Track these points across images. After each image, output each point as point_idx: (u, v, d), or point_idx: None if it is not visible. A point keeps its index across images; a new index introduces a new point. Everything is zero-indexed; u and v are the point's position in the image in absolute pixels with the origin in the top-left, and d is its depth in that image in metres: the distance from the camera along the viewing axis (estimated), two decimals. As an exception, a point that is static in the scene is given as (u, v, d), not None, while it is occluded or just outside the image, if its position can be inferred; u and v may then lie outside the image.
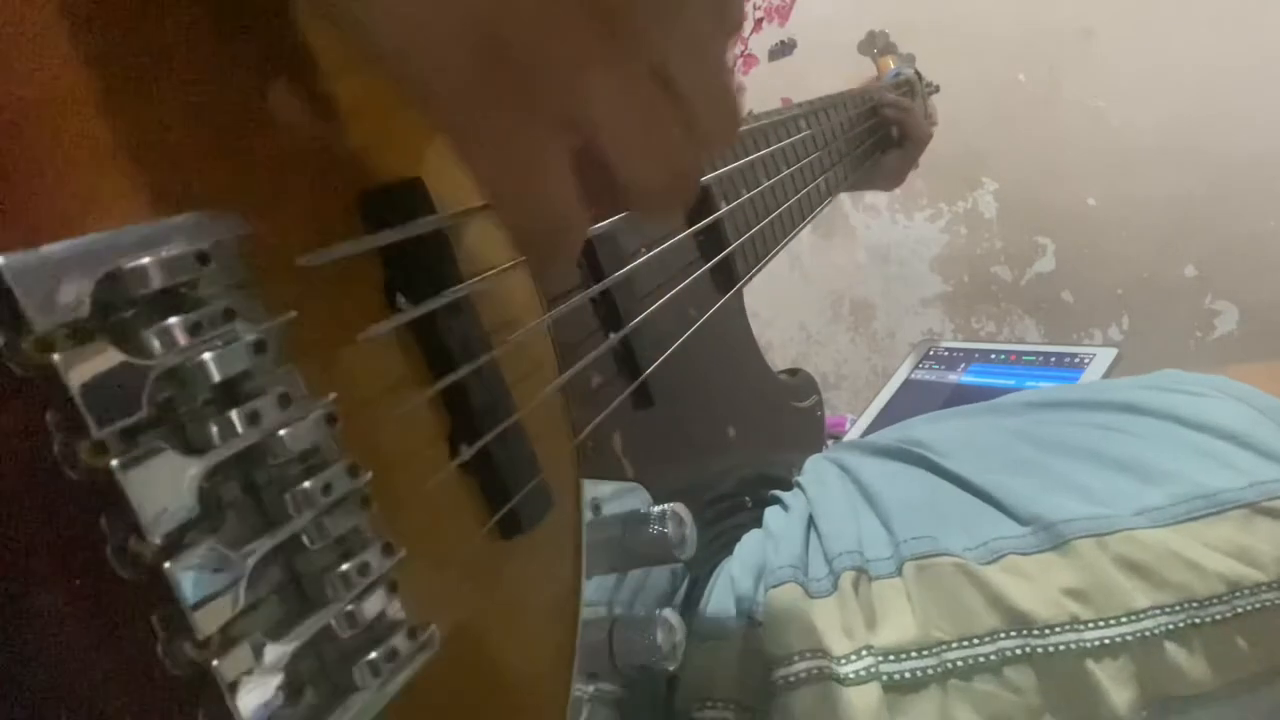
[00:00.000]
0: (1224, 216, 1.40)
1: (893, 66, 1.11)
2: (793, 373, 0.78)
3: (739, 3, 0.29)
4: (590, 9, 0.23)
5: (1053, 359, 1.24)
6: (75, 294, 0.21)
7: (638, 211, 0.29)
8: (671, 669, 0.42)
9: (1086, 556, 0.49)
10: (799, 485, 0.62)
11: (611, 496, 0.45)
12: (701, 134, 0.28)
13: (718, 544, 0.57)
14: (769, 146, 0.72)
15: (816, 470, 0.63)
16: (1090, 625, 0.48)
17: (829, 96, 0.92)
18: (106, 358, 0.21)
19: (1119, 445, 0.55)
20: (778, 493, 0.62)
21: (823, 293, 1.76)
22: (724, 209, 0.62)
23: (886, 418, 1.22)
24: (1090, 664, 0.47)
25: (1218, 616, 0.48)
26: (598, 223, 0.29)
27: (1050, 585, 0.49)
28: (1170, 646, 0.48)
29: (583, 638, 0.40)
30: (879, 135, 1.04)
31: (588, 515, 0.42)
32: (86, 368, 0.20)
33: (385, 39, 0.24)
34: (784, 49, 1.74)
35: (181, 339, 0.22)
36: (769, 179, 0.71)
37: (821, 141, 0.85)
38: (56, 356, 0.20)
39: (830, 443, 0.88)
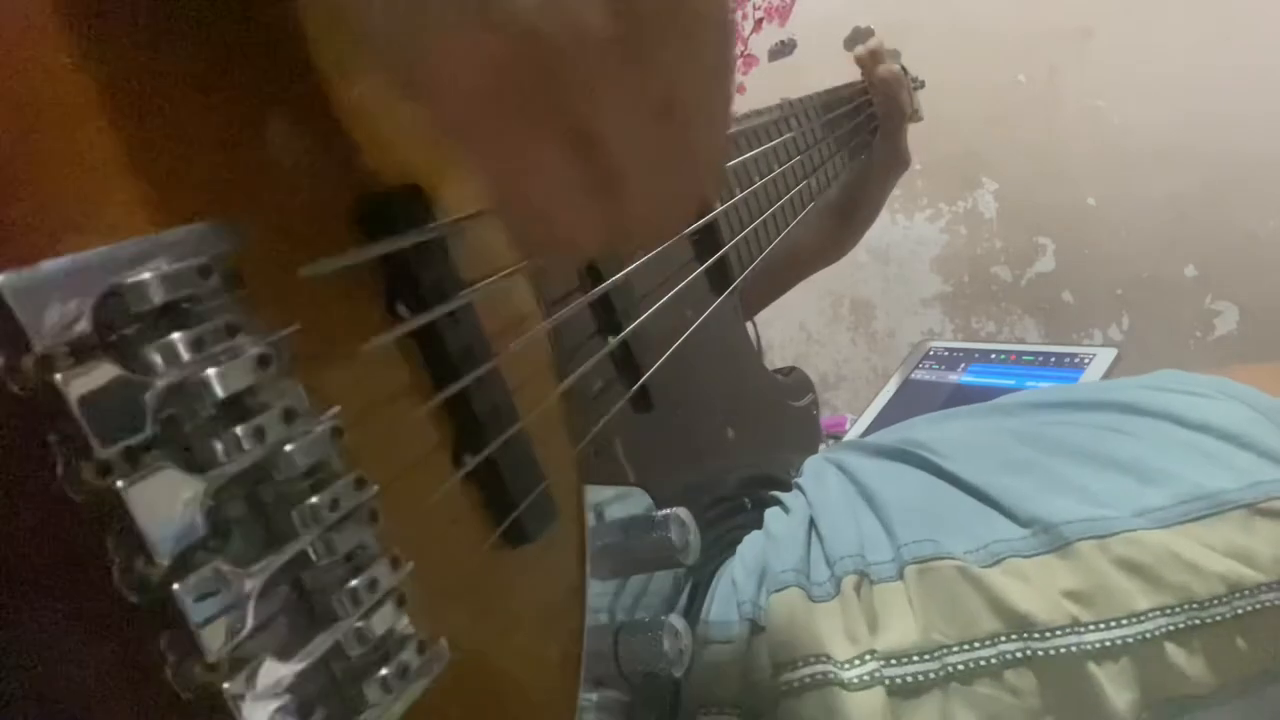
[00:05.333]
0: (1224, 216, 1.40)
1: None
2: (787, 371, 0.77)
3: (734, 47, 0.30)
4: (615, 34, 0.24)
5: (1053, 359, 1.24)
6: (76, 312, 0.20)
7: (639, 234, 0.30)
8: (678, 675, 0.42)
9: (1087, 558, 0.49)
10: (799, 486, 0.62)
11: (613, 501, 0.45)
12: (695, 164, 0.29)
13: (718, 546, 0.57)
14: (760, 146, 0.72)
15: (816, 471, 0.63)
16: (1091, 627, 0.48)
17: (818, 94, 0.92)
18: (109, 376, 0.21)
19: (1119, 446, 0.55)
20: (778, 494, 0.62)
21: (823, 293, 1.76)
22: (718, 209, 0.62)
23: (886, 418, 1.22)
24: (1091, 666, 0.47)
25: (1218, 617, 0.48)
26: (602, 247, 0.30)
27: (1051, 587, 0.49)
28: (1171, 648, 0.48)
29: (588, 645, 0.40)
30: (871, 126, 1.04)
31: (591, 521, 0.42)
32: (89, 386, 0.20)
33: (403, 49, 0.24)
34: (784, 49, 1.73)
35: (185, 355, 0.22)
36: (761, 178, 0.71)
37: (813, 139, 0.85)
38: (58, 376, 0.20)
39: (830, 442, 0.88)
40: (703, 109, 0.28)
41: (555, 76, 0.24)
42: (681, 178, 0.29)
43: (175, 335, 0.22)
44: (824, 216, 1.09)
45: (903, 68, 1.13)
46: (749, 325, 0.95)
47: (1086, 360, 1.20)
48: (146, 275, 0.21)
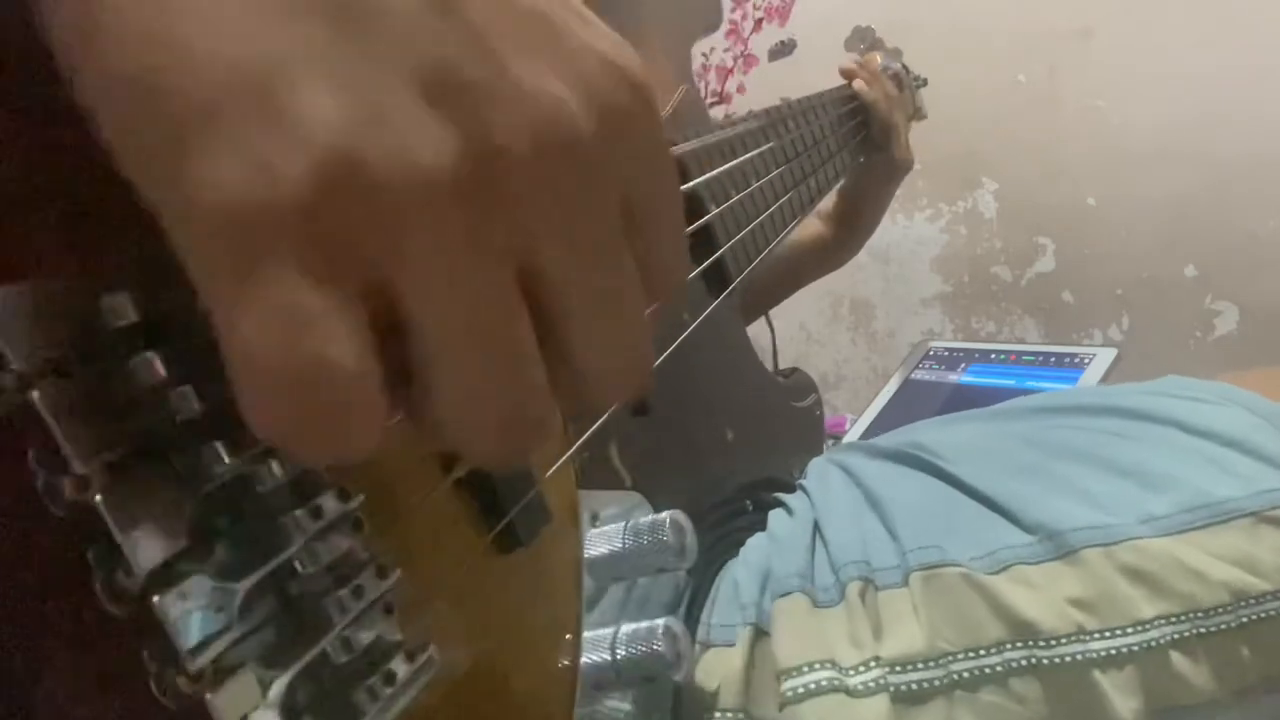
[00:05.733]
0: (1224, 216, 1.40)
1: (880, 61, 1.11)
2: (790, 372, 0.77)
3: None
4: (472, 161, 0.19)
5: (1053, 359, 1.24)
6: (53, 330, 0.20)
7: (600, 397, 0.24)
8: (677, 678, 0.41)
9: (1093, 566, 0.49)
10: (802, 488, 0.61)
11: (609, 505, 0.45)
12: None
13: (719, 548, 0.57)
14: (758, 147, 0.72)
15: (820, 473, 0.63)
16: (1096, 636, 0.48)
17: (817, 94, 0.91)
18: (87, 393, 0.20)
19: (1123, 451, 0.55)
20: (780, 495, 0.61)
21: (823, 293, 1.76)
22: (713, 212, 0.62)
23: (886, 418, 1.22)
24: (1096, 674, 0.47)
25: (1222, 626, 0.48)
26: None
27: (1056, 595, 0.49)
28: (1175, 656, 0.48)
29: (586, 650, 0.40)
30: (869, 127, 1.03)
31: (587, 526, 0.42)
32: (66, 403, 0.20)
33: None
34: (784, 49, 1.73)
35: (162, 370, 0.21)
36: (758, 180, 0.71)
37: (810, 140, 0.84)
38: (35, 394, 0.20)
39: (830, 443, 0.87)
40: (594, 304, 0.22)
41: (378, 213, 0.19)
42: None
43: (151, 352, 0.21)
44: (826, 221, 1.08)
45: (904, 66, 1.13)
46: (768, 329, 0.95)
47: (1086, 360, 1.20)
48: (123, 293, 0.21)
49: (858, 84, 1.01)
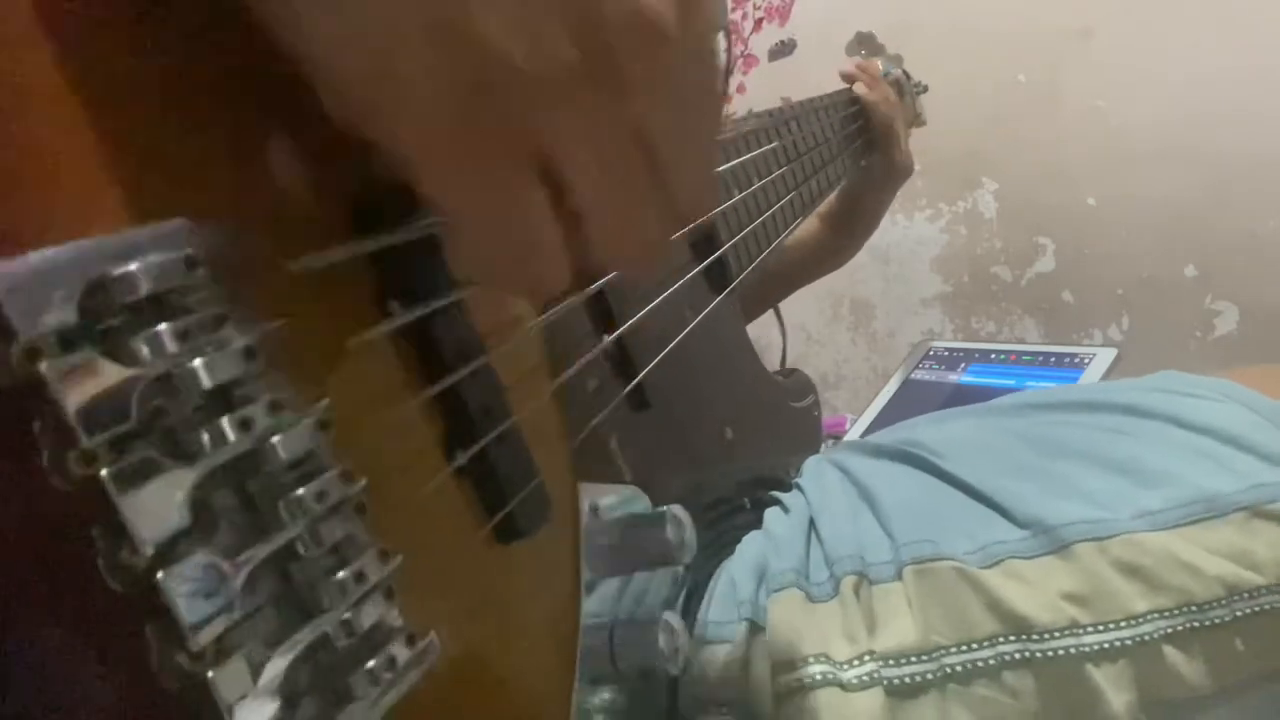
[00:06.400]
0: (1224, 216, 1.40)
1: (880, 67, 1.11)
2: (789, 372, 0.77)
3: (720, 89, 0.31)
4: (582, 63, 0.24)
5: (1053, 359, 1.24)
6: (62, 302, 0.20)
7: (615, 266, 0.31)
8: (674, 672, 0.42)
9: (1086, 560, 0.49)
10: (798, 486, 0.62)
11: (609, 499, 0.45)
12: (675, 206, 0.29)
13: (716, 546, 0.57)
14: (760, 148, 0.72)
15: (816, 471, 0.63)
16: (1089, 629, 0.48)
17: (819, 97, 0.92)
18: (94, 366, 0.20)
19: (1118, 447, 0.55)
20: (777, 494, 0.61)
21: (823, 293, 1.76)
22: (716, 209, 0.62)
23: (886, 418, 1.22)
24: (1089, 668, 0.47)
25: (1217, 620, 0.48)
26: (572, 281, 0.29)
27: (1050, 589, 0.49)
28: (1169, 650, 0.48)
29: (584, 642, 0.40)
30: (870, 131, 1.04)
31: (586, 519, 0.42)
32: (74, 376, 0.20)
33: (354, 75, 0.24)
34: (784, 49, 1.74)
35: (171, 346, 0.22)
36: (760, 179, 0.71)
37: (813, 141, 0.85)
38: (43, 365, 0.20)
39: (830, 443, 0.88)
40: (678, 143, 0.28)
41: (518, 102, 0.24)
42: (655, 211, 0.28)
43: (161, 326, 0.21)
44: (825, 222, 1.09)
45: (905, 73, 1.13)
46: (779, 328, 0.96)
47: (1086, 360, 1.20)
48: (133, 266, 0.21)
49: (859, 88, 1.02)
